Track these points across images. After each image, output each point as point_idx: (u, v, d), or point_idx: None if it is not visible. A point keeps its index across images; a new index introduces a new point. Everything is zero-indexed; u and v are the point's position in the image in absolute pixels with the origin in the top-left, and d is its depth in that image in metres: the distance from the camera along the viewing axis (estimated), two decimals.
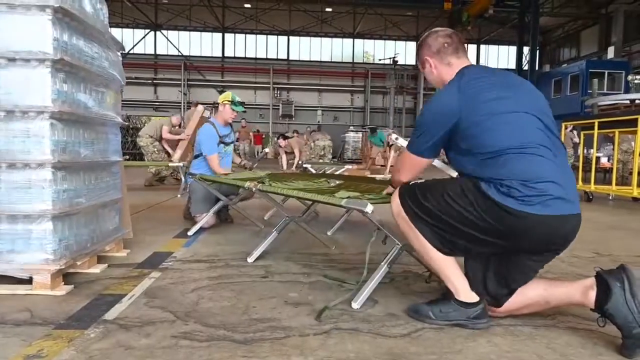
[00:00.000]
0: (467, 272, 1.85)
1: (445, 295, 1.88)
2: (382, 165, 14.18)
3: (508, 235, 1.67)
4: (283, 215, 2.91)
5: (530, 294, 1.79)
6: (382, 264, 2.07)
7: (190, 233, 3.55)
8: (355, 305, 1.98)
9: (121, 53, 2.81)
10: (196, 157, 4.14)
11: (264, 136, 23.60)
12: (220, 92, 5.58)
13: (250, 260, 2.77)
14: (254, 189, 2.73)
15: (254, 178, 3.22)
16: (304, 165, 6.96)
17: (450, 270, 1.81)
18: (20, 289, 2.09)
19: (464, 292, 1.80)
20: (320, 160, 12.02)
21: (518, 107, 1.74)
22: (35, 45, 1.98)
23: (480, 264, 1.82)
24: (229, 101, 4.10)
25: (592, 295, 1.65)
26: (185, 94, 27.79)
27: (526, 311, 1.85)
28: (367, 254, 2.04)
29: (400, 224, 1.89)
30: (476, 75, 1.82)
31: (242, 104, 4.23)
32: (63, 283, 2.17)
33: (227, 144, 4.16)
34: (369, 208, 1.88)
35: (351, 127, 25.78)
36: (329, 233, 3.68)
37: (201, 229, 3.66)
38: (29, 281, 2.10)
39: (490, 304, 1.83)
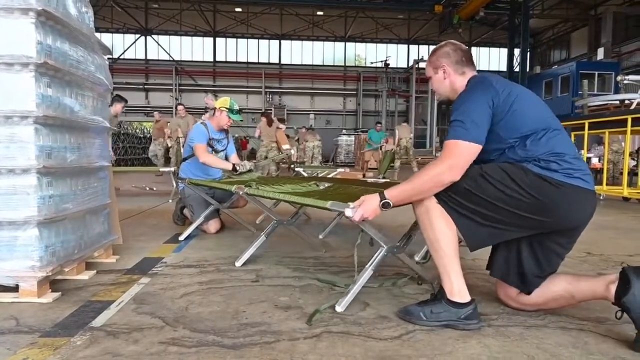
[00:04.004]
0: (499, 261, 1.93)
1: (436, 296, 1.88)
2: (375, 168, 14.22)
3: (551, 209, 1.72)
4: (272, 219, 2.90)
5: (556, 287, 1.85)
6: (367, 266, 2.05)
7: (181, 238, 3.54)
8: (339, 308, 1.96)
9: (112, 58, 2.81)
10: (184, 160, 4.10)
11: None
12: (216, 97, 5.60)
13: (238, 264, 2.75)
14: (240, 192, 2.71)
15: (242, 182, 3.19)
16: (297, 169, 6.93)
17: (454, 268, 1.82)
18: (6, 297, 2.06)
19: (459, 291, 1.80)
20: (313, 163, 11.99)
21: (537, 98, 1.92)
22: (18, 48, 1.94)
23: (513, 250, 1.88)
24: (226, 108, 3.99)
25: (614, 289, 1.68)
26: (176, 99, 27.71)
27: (553, 305, 1.91)
28: (355, 256, 2.01)
29: (419, 212, 1.87)
30: (494, 76, 1.96)
31: (240, 112, 4.12)
32: (50, 290, 2.14)
33: (217, 151, 4.07)
34: (348, 212, 1.83)
35: (344, 131, 25.83)
36: (320, 236, 3.66)
37: (193, 235, 3.63)
38: (15, 289, 2.06)
39: (522, 291, 1.90)
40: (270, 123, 9.50)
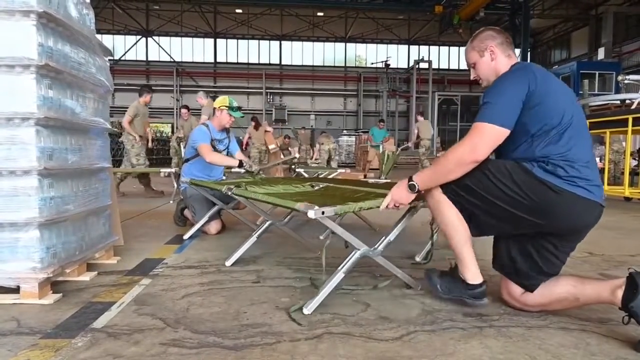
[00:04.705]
0: (497, 253, 1.98)
1: (454, 271, 2.02)
2: (376, 169, 14.18)
3: (547, 212, 1.74)
4: (268, 219, 2.91)
5: (560, 289, 1.86)
6: (339, 269, 2.04)
7: (185, 237, 3.55)
8: (306, 310, 1.93)
9: (113, 60, 2.81)
10: (186, 161, 4.11)
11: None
12: (214, 98, 5.61)
13: (227, 263, 2.76)
14: (229, 192, 2.73)
15: (233, 182, 3.22)
16: (297, 170, 6.94)
17: (466, 252, 1.93)
18: (7, 299, 2.06)
19: (472, 273, 1.93)
20: (332, 165, 11.90)
21: (572, 95, 1.92)
22: (19, 51, 1.95)
23: (510, 245, 1.92)
24: (226, 106, 4.03)
25: (620, 293, 1.67)
26: (177, 100, 27.72)
27: (557, 306, 1.91)
28: (323, 258, 2.07)
29: (430, 202, 1.97)
30: (536, 64, 1.96)
31: (239, 108, 4.16)
32: (51, 291, 2.14)
33: (218, 150, 4.08)
34: (310, 213, 1.81)
35: (344, 131, 25.81)
36: (321, 237, 3.65)
37: (194, 235, 3.63)
38: (17, 290, 2.06)
39: (525, 288, 1.92)
40: (257, 126, 10.65)
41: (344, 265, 2.04)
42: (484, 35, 2.02)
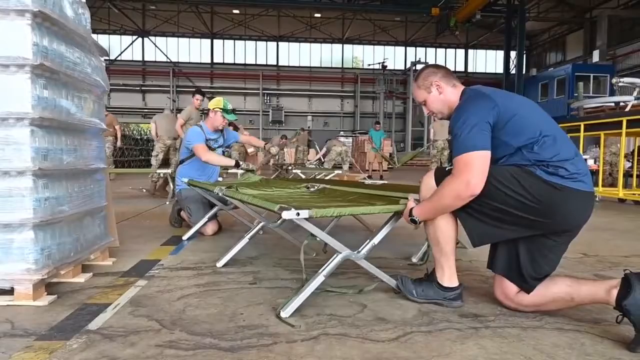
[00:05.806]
0: (500, 258, 1.97)
1: (430, 277, 2.11)
2: (374, 170, 14.21)
3: (554, 212, 1.78)
4: (262, 220, 2.91)
5: (556, 289, 1.88)
6: (319, 272, 2.03)
7: (185, 238, 3.56)
8: (284, 314, 1.91)
9: (109, 60, 2.81)
10: (181, 162, 4.10)
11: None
12: (210, 99, 5.57)
13: (219, 265, 2.76)
14: (220, 193, 2.72)
15: (229, 183, 3.23)
16: (294, 171, 6.94)
17: (448, 261, 2.01)
18: (1, 300, 2.04)
19: (449, 278, 2.03)
20: (344, 168, 11.82)
21: (534, 104, 2.00)
22: (14, 50, 1.94)
23: (512, 249, 1.92)
24: (220, 108, 4.05)
25: (615, 293, 1.69)
26: (174, 101, 27.67)
27: (551, 306, 1.92)
28: (302, 258, 2.13)
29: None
30: (488, 87, 2.01)
31: (233, 111, 4.18)
32: (46, 293, 2.13)
33: (212, 149, 4.10)
34: (285, 214, 1.82)
35: (341, 132, 25.84)
36: (318, 238, 3.64)
37: (191, 237, 3.62)
38: (11, 291, 2.05)
39: (523, 289, 1.93)
40: (236, 129, 11.11)
41: (324, 268, 2.03)
42: (425, 73, 2.11)
